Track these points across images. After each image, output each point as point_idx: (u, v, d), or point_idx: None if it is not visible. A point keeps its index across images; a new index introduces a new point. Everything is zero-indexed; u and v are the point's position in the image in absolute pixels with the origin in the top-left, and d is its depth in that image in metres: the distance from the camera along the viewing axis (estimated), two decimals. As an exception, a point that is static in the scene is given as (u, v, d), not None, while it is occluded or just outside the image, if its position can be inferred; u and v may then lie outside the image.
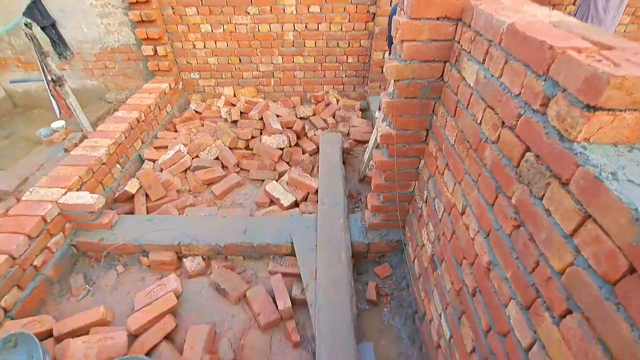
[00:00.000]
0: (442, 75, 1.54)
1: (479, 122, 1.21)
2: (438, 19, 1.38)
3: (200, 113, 3.83)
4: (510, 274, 1.01)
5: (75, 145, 3.26)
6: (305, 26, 3.62)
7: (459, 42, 1.38)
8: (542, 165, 0.88)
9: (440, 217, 1.60)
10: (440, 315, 1.59)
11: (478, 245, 1.21)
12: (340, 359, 1.63)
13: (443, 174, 1.56)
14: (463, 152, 1.34)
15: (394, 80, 1.56)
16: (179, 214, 2.58)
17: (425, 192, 1.81)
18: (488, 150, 1.14)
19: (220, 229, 2.33)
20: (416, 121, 1.70)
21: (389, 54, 2.63)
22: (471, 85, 1.27)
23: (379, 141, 1.80)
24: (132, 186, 2.63)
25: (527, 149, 0.94)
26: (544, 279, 0.87)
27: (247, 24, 3.63)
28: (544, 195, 0.87)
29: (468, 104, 1.30)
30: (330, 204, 2.42)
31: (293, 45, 3.74)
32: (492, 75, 1.12)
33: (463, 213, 1.34)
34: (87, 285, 2.19)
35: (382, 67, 3.76)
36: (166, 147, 3.21)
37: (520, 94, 0.98)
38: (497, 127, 1.08)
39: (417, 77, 1.53)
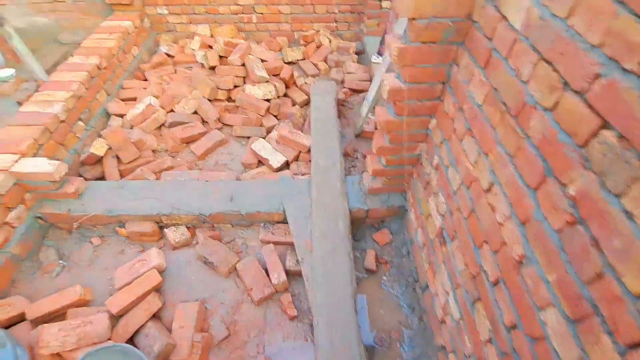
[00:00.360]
0: (470, 13, 1.20)
1: (524, 80, 0.93)
2: None
3: (172, 57, 3.33)
4: (555, 278, 0.83)
5: (30, 97, 2.82)
6: (291, -54, 3.00)
7: (500, -34, 1.03)
8: (630, 151, 0.63)
9: (455, 189, 1.38)
10: (448, 293, 1.46)
11: (508, 233, 1.02)
12: (341, 340, 1.53)
13: (462, 140, 1.31)
14: (495, 117, 1.08)
15: (408, 20, 1.23)
16: (156, 179, 2.31)
17: (436, 157, 1.57)
18: (537, 119, 0.89)
19: (204, 195, 2.09)
20: (432, 72, 1.39)
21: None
22: (516, 27, 0.96)
23: (385, 97, 1.50)
24: (98, 148, 2.30)
25: (605, 125, 0.69)
26: (608, 296, 0.68)
27: (220, -57, 2.99)
28: (625, 193, 0.65)
29: (509, 54, 1.00)
30: (325, 166, 2.18)
31: (277, -28, 3.15)
32: (555, 15, 0.82)
33: (488, 191, 1.13)
34: (60, 261, 1.99)
35: (380, 1, 3.24)
36: (135, 99, 2.81)
37: (601, 44, 0.69)
38: (556, 89, 0.81)
39: (440, 14, 1.20)
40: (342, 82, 3.16)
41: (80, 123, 2.46)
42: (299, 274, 1.91)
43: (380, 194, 2.08)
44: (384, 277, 1.99)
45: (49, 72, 3.12)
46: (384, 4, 3.24)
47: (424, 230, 1.76)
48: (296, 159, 2.47)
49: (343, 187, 2.08)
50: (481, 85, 1.16)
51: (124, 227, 2.07)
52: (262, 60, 2.95)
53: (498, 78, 1.06)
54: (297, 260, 1.89)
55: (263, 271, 1.88)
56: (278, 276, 1.82)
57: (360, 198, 2.08)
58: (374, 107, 2.48)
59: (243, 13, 3.43)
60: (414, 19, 1.20)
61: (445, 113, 1.46)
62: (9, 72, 2.98)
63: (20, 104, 2.88)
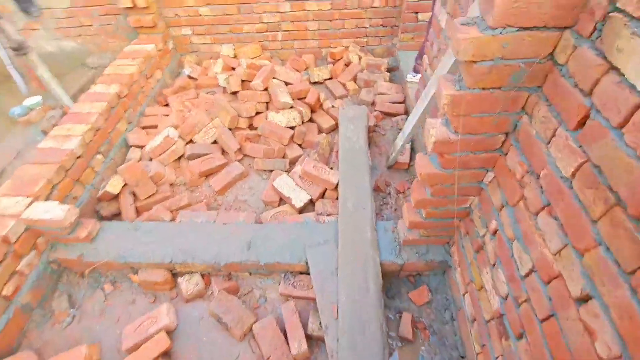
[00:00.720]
0: (552, 52, 0.90)
1: (656, 169, 0.62)
2: (573, -54, 0.72)
3: (195, 79, 3.22)
4: None
5: (54, 126, 2.80)
6: (319, -41, 2.78)
7: (607, -6, 0.73)
8: None
9: (522, 274, 1.07)
10: (512, 401, 1.15)
11: (619, 378, 0.71)
12: None
13: (537, 216, 1.00)
14: (595, 206, 0.77)
15: (465, 62, 0.94)
16: (172, 217, 2.16)
17: (494, 221, 1.26)
18: (684, 238, 0.57)
19: (221, 241, 1.90)
20: (493, 122, 1.09)
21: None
22: (639, 89, 0.65)
23: (430, 148, 1.22)
24: (114, 185, 2.19)
25: None
26: None
27: (243, -40, 2.82)
28: None
29: (623, 123, 0.69)
30: (353, 210, 1.92)
31: (303, -13, 2.93)
32: None
33: (582, 302, 0.82)
34: (71, 310, 1.88)
35: (417, 13, 2.93)
36: (156, 127, 2.70)
37: None
38: None
39: (509, 55, 0.90)
40: (373, 103, 2.88)
41: (99, 156, 2.36)
42: (322, 339, 1.66)
43: (417, 245, 1.78)
44: (423, 348, 1.68)
45: (76, 96, 3.11)
46: (421, 16, 2.93)
47: (475, 301, 1.45)
48: (322, 196, 2.22)
49: (374, 237, 1.81)
50: (569, 153, 0.85)
51: (137, 273, 1.92)
52: (287, 83, 2.75)
53: (601, 152, 0.75)
54: (321, 324, 1.64)
55: (282, 335, 1.65)
56: (298, 345, 1.58)
57: (393, 249, 1.80)
58: (410, 138, 2.18)
59: (268, 31, 3.25)
60: (474, 61, 0.92)
61: (508, 170, 1.15)
62: (36, 99, 3.00)
63: (45, 132, 2.88)
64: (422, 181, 1.38)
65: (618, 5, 0.69)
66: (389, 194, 2.31)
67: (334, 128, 2.71)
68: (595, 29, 0.76)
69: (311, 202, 2.20)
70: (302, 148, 2.56)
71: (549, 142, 0.93)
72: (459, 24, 0.91)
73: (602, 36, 0.74)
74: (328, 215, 2.11)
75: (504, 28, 0.85)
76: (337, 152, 2.42)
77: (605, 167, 0.74)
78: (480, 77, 0.96)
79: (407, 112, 2.75)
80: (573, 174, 0.84)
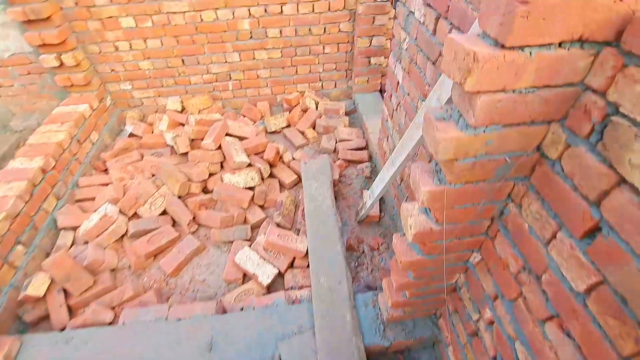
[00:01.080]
0: (540, 145, 0.79)
1: None
2: (561, 44, 0.61)
3: (139, 137, 2.91)
4: None
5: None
6: (265, 9, 2.67)
7: (603, 94, 0.62)
8: None
9: (535, 385, 0.91)
10: None
11: None
12: None
13: (544, 323, 0.85)
14: (624, 342, 0.63)
15: (446, 160, 0.80)
16: (115, 315, 1.81)
17: (488, 310, 1.11)
18: None
19: (175, 344, 1.59)
20: (478, 211, 0.96)
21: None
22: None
23: (409, 239, 1.06)
24: (37, 286, 1.81)
25: None
26: None
27: (184, 12, 2.65)
28: None
29: (651, 253, 0.57)
30: (328, 285, 1.71)
31: (251, 37, 2.80)
32: None
33: None
34: None
35: (369, 58, 2.92)
36: (93, 199, 2.35)
37: None
38: None
39: (493, 152, 0.78)
40: (335, 150, 2.76)
41: (19, 247, 1.97)
42: None
43: (402, 321, 1.61)
44: None
45: (-3, 166, 2.68)
46: (373, 60, 2.91)
47: (476, 392, 1.28)
48: (290, 265, 2.00)
49: (354, 317, 1.60)
50: (577, 266, 0.72)
51: (70, 399, 1.54)
52: (241, 138, 2.55)
53: (623, 279, 0.62)
54: None
55: None
56: None
57: (377, 328, 1.60)
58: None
59: (217, 81, 3.06)
60: (455, 159, 0.78)
61: (498, 257, 1.02)
62: (-60, 180, 2.51)
63: (-48, 219, 2.39)
64: (404, 268, 1.21)
65: (622, 110, 0.59)
66: (363, 252, 2.14)
67: (297, 182, 2.53)
68: (593, 130, 0.65)
69: (280, 275, 1.96)
70: (264, 209, 2.34)
71: (549, 243, 0.80)
72: (434, 118, 0.78)
73: (605, 142, 0.63)
74: (300, 288, 1.88)
75: (489, 127, 0.72)
76: (302, 210, 2.23)
77: (632, 301, 0.61)
78: (463, 173, 0.82)
79: (370, 158, 2.65)
80: (587, 291, 0.71)
